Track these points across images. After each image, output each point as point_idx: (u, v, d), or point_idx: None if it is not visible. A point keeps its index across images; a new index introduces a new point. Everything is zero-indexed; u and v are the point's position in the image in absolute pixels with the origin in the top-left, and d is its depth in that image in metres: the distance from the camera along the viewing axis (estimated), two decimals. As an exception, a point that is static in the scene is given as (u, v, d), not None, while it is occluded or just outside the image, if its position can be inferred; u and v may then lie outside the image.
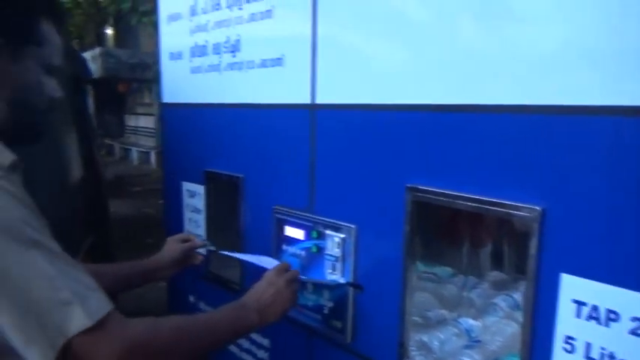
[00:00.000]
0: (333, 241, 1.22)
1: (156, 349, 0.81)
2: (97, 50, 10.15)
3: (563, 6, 0.79)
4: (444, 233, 1.18)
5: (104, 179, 2.99)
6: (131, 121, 14.17)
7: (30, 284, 0.68)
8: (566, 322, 0.82)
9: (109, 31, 15.24)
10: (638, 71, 0.72)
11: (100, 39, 14.64)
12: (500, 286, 1.15)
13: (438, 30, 0.96)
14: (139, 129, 13.47)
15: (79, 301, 0.70)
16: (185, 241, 1.37)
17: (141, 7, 5.71)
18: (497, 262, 1.17)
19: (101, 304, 0.73)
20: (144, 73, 10.07)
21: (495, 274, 1.18)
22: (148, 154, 11.82)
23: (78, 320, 0.69)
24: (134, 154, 12.55)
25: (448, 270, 1.19)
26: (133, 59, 10.21)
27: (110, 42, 15.20)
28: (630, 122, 0.73)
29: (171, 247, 1.34)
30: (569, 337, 0.82)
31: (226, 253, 1.43)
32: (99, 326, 0.71)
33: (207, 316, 0.99)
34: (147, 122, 12.88)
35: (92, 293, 0.73)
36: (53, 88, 0.89)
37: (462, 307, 1.15)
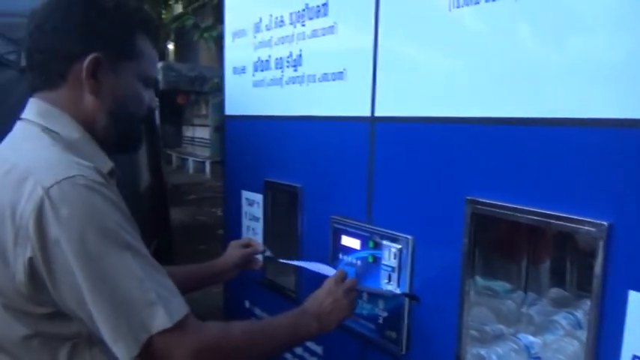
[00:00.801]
0: (390, 252, 1.23)
1: (226, 351, 0.86)
2: (160, 64, 10.69)
3: (630, 16, 0.78)
4: (504, 247, 1.17)
5: (168, 187, 3.15)
6: (188, 131, 14.74)
7: (122, 284, 0.74)
8: (634, 341, 0.80)
9: (170, 46, 15.99)
10: None
11: (161, 53, 15.38)
12: (560, 304, 1.13)
13: (499, 42, 0.97)
14: (196, 139, 13.99)
15: (163, 303, 0.75)
16: (246, 245, 1.42)
17: (202, 24, 5.98)
18: (557, 278, 1.14)
19: (180, 307, 0.78)
20: (202, 86, 10.49)
21: (556, 291, 1.15)
22: (203, 163, 12.23)
23: (160, 320, 0.74)
24: (190, 163, 13.02)
25: (506, 285, 1.18)
26: (193, 72, 10.68)
27: (170, 56, 15.94)
28: None
29: (233, 252, 1.39)
30: (638, 358, 0.80)
31: (284, 260, 1.48)
32: (177, 327, 0.76)
33: (272, 322, 1.03)
34: (203, 133, 13.35)
35: (173, 296, 0.79)
36: (151, 99, 0.95)
37: (520, 323, 1.13)
